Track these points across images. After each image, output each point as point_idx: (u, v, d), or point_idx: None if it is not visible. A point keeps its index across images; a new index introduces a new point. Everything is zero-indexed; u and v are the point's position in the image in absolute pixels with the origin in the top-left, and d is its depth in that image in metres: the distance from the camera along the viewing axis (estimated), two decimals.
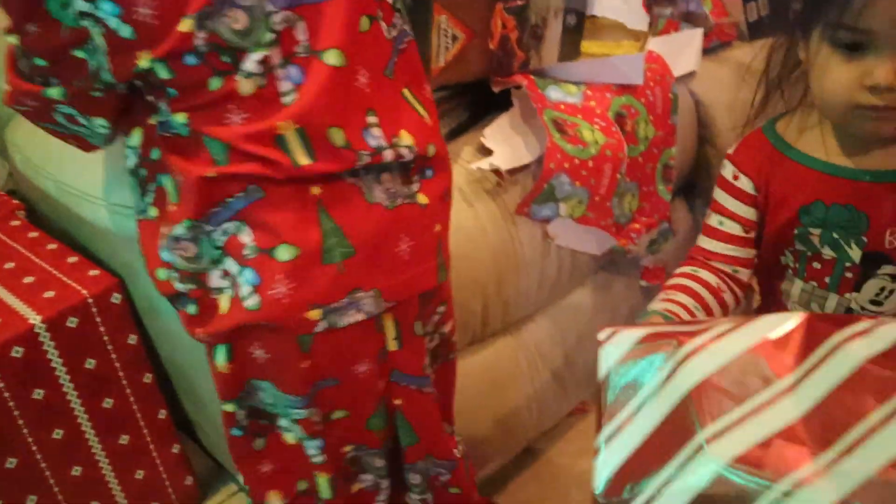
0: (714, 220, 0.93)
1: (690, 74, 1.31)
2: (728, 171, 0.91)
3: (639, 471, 0.57)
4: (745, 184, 0.89)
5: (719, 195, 0.92)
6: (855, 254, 0.84)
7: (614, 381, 0.62)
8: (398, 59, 0.80)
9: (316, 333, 0.75)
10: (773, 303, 0.97)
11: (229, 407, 0.82)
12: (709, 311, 0.90)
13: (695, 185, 1.37)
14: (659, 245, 1.29)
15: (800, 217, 0.86)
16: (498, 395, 1.16)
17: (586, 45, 1.25)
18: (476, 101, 1.18)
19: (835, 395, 0.53)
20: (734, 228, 0.92)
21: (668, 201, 1.26)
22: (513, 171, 1.08)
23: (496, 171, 1.06)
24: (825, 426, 0.51)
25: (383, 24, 0.78)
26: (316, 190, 0.73)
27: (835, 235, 0.84)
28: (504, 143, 1.09)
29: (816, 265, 0.88)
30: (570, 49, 1.22)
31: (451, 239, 1.02)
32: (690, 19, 1.40)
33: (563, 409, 1.28)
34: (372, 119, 0.76)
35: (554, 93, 1.16)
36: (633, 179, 1.20)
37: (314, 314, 0.74)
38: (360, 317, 0.77)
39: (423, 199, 0.80)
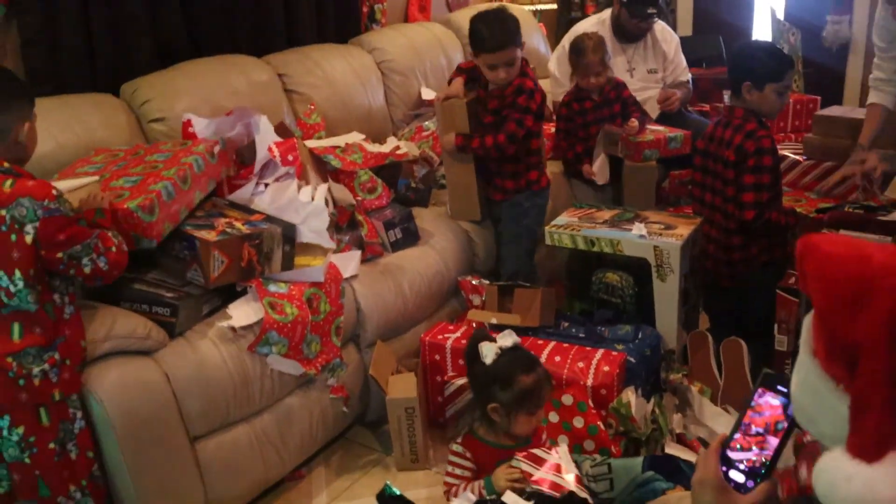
0: None
1: (354, 276, 2.34)
2: None
3: None
4: None
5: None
6: None
7: None
8: None
9: None
10: None
11: None
12: None
13: (359, 335, 2.37)
14: (336, 373, 2.25)
15: None
16: (242, 459, 2.03)
17: (299, 259, 2.25)
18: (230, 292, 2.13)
19: None
20: None
21: (339, 346, 2.24)
22: (246, 327, 2.01)
23: (232, 328, 1.99)
24: None
25: None
26: None
27: None
28: (242, 313, 2.03)
29: None
30: (288, 262, 2.20)
31: (195, 372, 1.92)
32: (357, 242, 2.45)
33: (283, 470, 2.17)
34: None
35: (273, 287, 2.13)
36: (316, 333, 2.17)
37: None
38: None
39: None
